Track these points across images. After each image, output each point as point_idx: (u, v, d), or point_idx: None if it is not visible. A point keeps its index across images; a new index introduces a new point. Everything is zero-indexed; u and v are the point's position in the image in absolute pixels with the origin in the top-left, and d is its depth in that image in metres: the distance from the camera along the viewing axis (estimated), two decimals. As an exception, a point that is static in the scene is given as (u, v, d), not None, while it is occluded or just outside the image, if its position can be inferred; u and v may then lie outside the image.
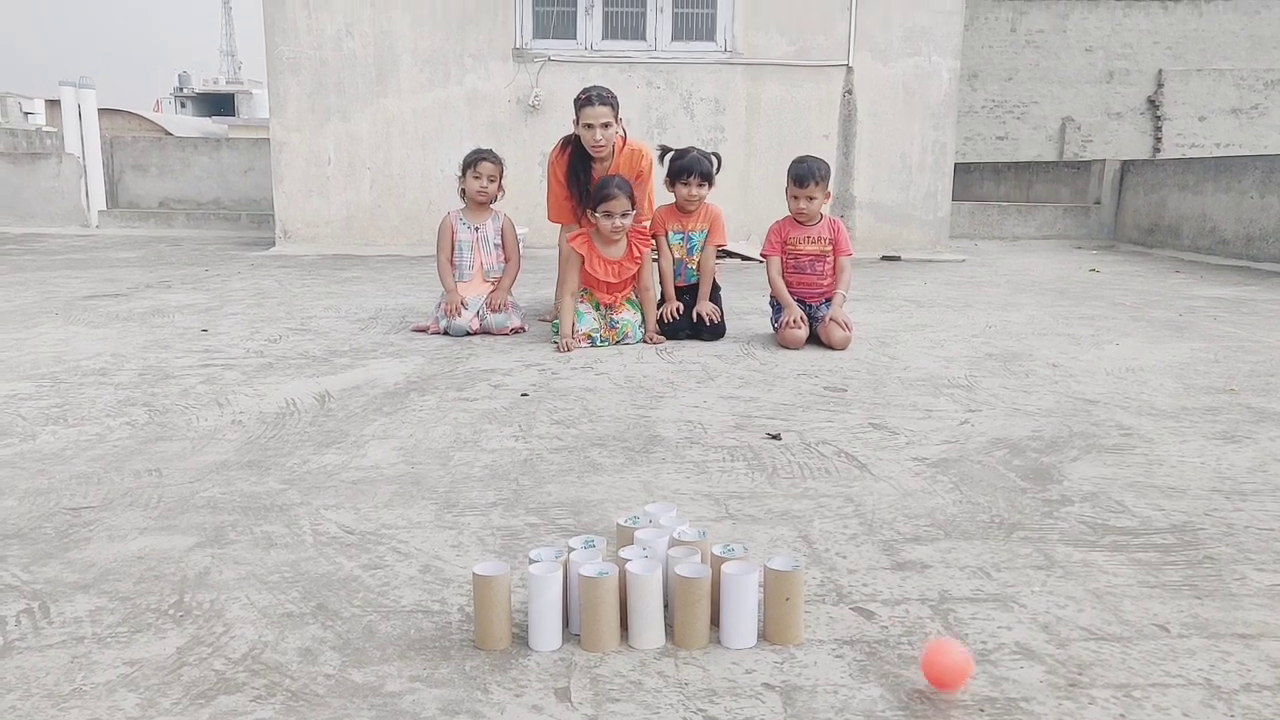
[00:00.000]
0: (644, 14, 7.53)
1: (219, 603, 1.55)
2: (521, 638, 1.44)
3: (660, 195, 4.18)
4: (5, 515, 1.93)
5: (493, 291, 4.08)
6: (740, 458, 2.36)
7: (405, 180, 7.66)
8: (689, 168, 3.94)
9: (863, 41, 7.53)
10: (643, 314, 3.93)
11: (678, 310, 3.96)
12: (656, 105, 7.57)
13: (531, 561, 1.49)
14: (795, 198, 3.89)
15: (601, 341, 3.81)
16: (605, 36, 7.55)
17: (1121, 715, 1.26)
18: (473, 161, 4.11)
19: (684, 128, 7.51)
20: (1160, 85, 16.95)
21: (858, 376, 3.30)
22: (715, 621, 1.46)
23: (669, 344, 3.87)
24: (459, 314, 3.96)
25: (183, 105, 47.79)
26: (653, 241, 4.02)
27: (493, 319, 4.00)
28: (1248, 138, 16.85)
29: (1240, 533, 1.90)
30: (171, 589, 1.60)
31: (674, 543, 1.58)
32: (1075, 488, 2.16)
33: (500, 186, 4.15)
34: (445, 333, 3.98)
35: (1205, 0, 16.90)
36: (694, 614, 1.43)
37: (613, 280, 3.87)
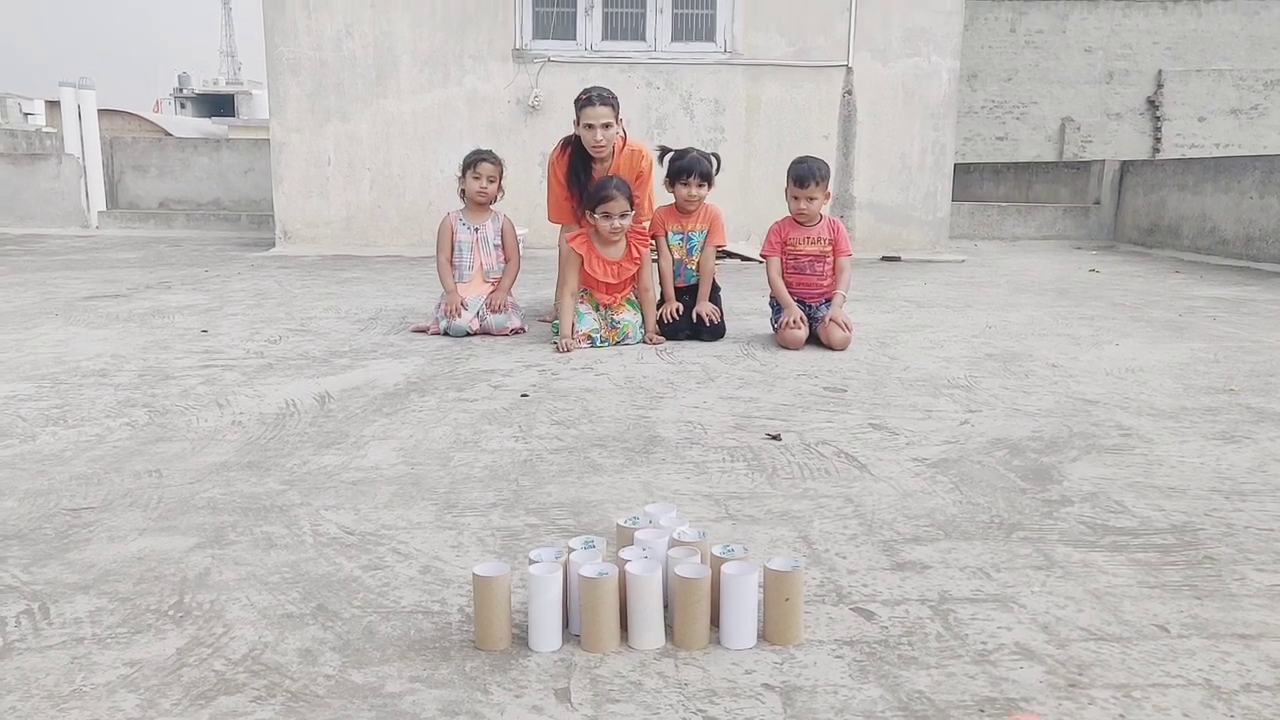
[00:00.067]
0: (644, 14, 7.53)
1: (219, 603, 1.56)
2: (521, 638, 1.44)
3: (660, 196, 4.18)
4: (5, 516, 1.93)
5: (493, 292, 4.08)
6: (740, 458, 2.36)
7: (405, 181, 7.67)
8: (688, 168, 3.94)
9: (862, 42, 7.53)
10: (642, 314, 3.93)
11: (677, 311, 3.96)
12: (656, 106, 7.57)
13: (531, 562, 1.49)
14: (795, 198, 3.89)
15: (601, 342, 3.81)
16: (605, 37, 7.55)
17: (1121, 715, 1.26)
18: (472, 162, 4.11)
19: (684, 128, 7.51)
20: (1160, 86, 16.96)
21: (857, 377, 3.30)
22: (715, 622, 1.46)
23: (669, 344, 3.87)
24: (459, 315, 3.96)
25: (182, 106, 47.78)
26: (652, 242, 4.02)
27: (493, 319, 4.00)
28: (1247, 138, 16.86)
29: (1240, 533, 1.90)
30: (171, 590, 1.60)
31: (674, 543, 1.58)
32: (1075, 488, 2.16)
33: (500, 187, 4.15)
34: (445, 333, 3.98)
35: (1205, 1, 16.91)
36: (694, 614, 1.43)
37: (612, 281, 3.87)
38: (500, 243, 4.16)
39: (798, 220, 3.97)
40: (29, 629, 1.47)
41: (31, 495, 2.05)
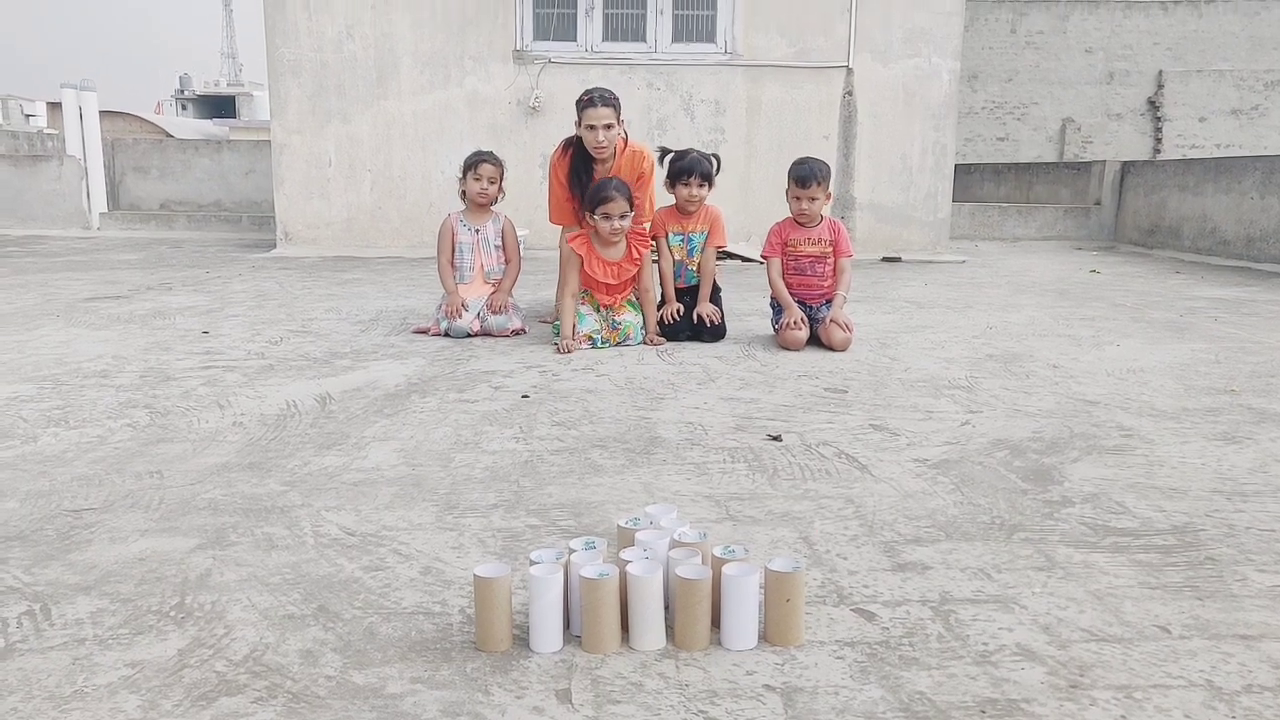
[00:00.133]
0: (644, 16, 7.53)
1: (220, 604, 1.56)
2: (522, 639, 1.44)
3: (660, 197, 4.19)
4: (7, 517, 1.93)
5: (493, 293, 4.08)
6: (741, 459, 2.36)
7: (406, 182, 7.67)
8: (689, 168, 3.94)
9: (863, 43, 7.54)
10: (643, 315, 3.93)
11: (678, 312, 3.96)
12: (657, 107, 7.58)
13: (532, 563, 1.49)
14: (797, 198, 3.89)
15: (602, 343, 3.81)
16: (605, 38, 7.56)
17: (1123, 716, 1.26)
18: (473, 163, 4.11)
19: (684, 129, 7.51)
20: (1160, 86, 16.95)
21: (858, 378, 3.30)
22: (716, 623, 1.46)
23: (669, 345, 3.87)
24: (460, 316, 3.96)
25: (184, 107, 47.81)
26: (652, 243, 4.02)
27: (493, 321, 4.00)
28: (1248, 138, 16.86)
29: (1241, 534, 1.90)
30: (173, 591, 1.61)
31: (675, 544, 1.58)
32: (1076, 489, 2.16)
33: (501, 188, 4.16)
34: (446, 334, 3.98)
35: (1205, 1, 16.90)
36: (695, 615, 1.43)
37: (612, 281, 3.87)
38: (501, 244, 4.16)
39: (798, 221, 3.97)
40: (30, 630, 1.47)
41: (33, 496, 2.05)
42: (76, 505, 2.00)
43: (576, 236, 3.87)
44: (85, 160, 9.79)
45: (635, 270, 3.89)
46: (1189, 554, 1.80)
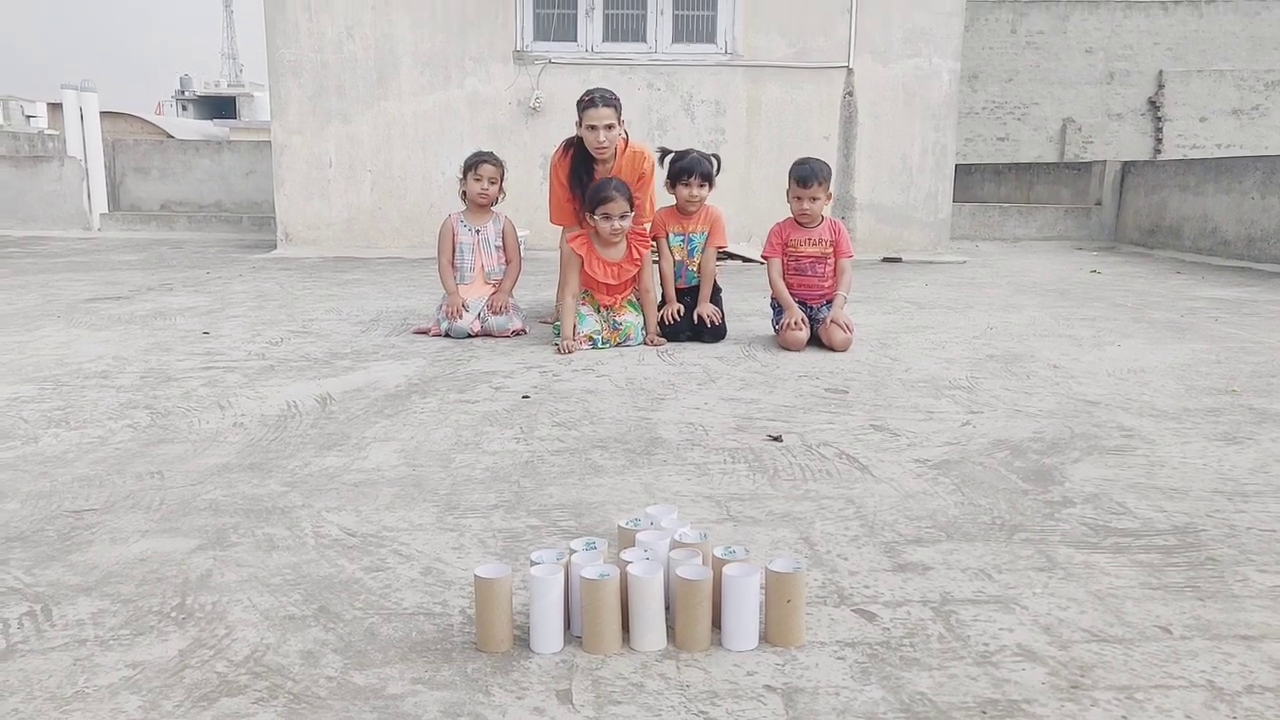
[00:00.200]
0: (644, 16, 7.53)
1: (221, 605, 1.56)
2: (523, 640, 1.44)
3: (661, 198, 4.19)
4: (8, 518, 1.93)
5: (494, 294, 4.08)
6: (741, 459, 2.36)
7: (406, 183, 7.67)
8: (689, 168, 3.94)
9: (863, 43, 7.54)
10: (644, 316, 3.93)
11: (679, 312, 3.96)
12: (657, 107, 7.58)
13: (533, 564, 1.49)
14: (799, 198, 3.89)
15: (603, 343, 3.81)
16: (606, 39, 7.56)
17: (1124, 717, 1.26)
18: (474, 164, 4.11)
19: (685, 130, 7.51)
20: (1161, 86, 16.95)
21: (859, 378, 3.30)
22: (717, 624, 1.46)
23: (670, 346, 3.87)
24: (460, 316, 3.96)
25: (184, 108, 47.85)
26: (653, 243, 4.02)
27: (494, 321, 4.00)
28: (1249, 139, 16.86)
29: (1242, 534, 1.90)
30: (174, 591, 1.61)
31: (675, 545, 1.58)
32: (1077, 489, 2.16)
33: (501, 189, 4.16)
34: (446, 335, 3.98)
35: (1205, 1, 16.90)
36: (695, 616, 1.43)
37: (612, 282, 3.87)
38: (501, 244, 4.16)
39: (799, 221, 3.97)
40: (32, 631, 1.47)
41: (34, 497, 2.05)
42: (77, 506, 2.00)
43: (577, 237, 3.87)
44: (86, 161, 9.80)
45: (636, 271, 3.89)
46: (1190, 554, 1.80)
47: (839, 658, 1.41)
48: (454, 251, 4.14)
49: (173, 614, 1.53)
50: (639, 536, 1.59)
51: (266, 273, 6.35)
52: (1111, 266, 7.46)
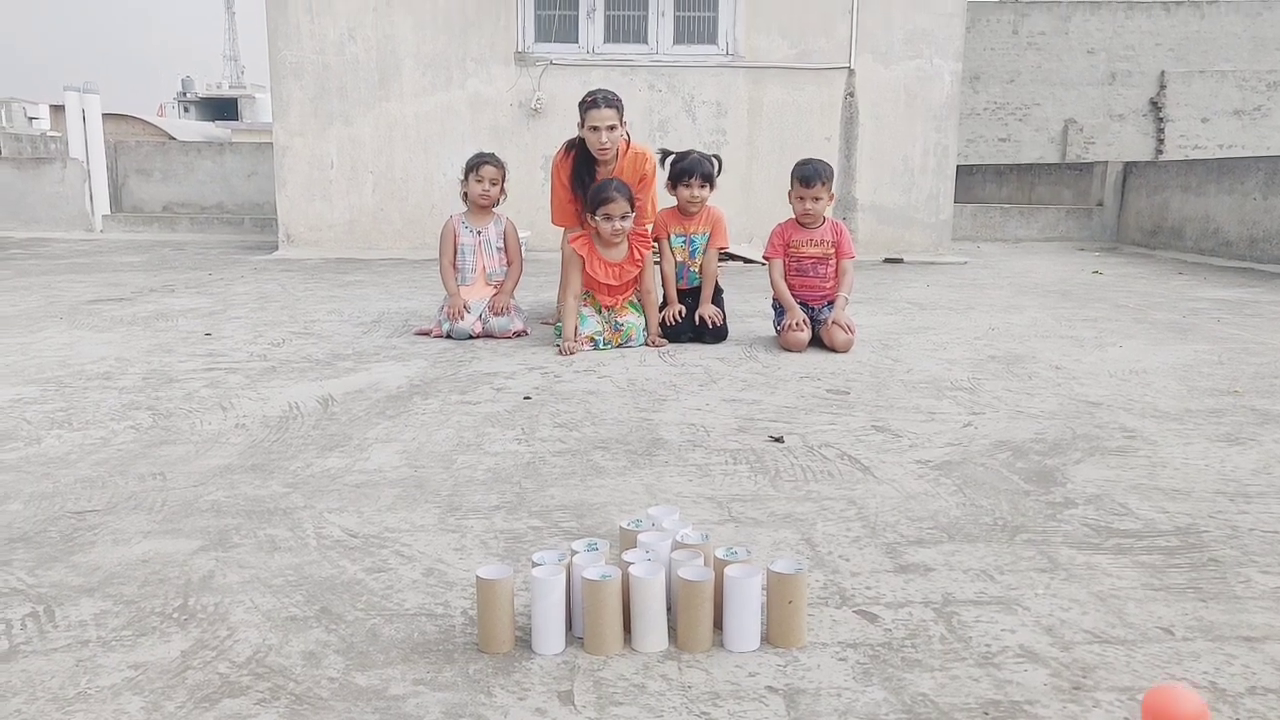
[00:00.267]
0: (645, 17, 7.54)
1: (223, 606, 1.56)
2: (525, 641, 1.45)
3: (662, 199, 4.19)
4: (10, 519, 1.93)
5: (495, 295, 4.08)
6: (743, 460, 2.36)
7: (408, 184, 7.68)
8: (690, 169, 3.95)
9: (864, 44, 7.54)
10: (645, 317, 3.93)
11: (680, 313, 3.96)
12: (658, 108, 7.58)
13: (535, 565, 1.49)
14: (801, 198, 3.89)
15: (604, 344, 3.81)
16: (607, 40, 7.56)
17: (1126, 718, 1.26)
18: (475, 165, 4.11)
19: (686, 131, 7.52)
20: (1162, 87, 16.94)
21: (860, 379, 3.30)
22: (718, 625, 1.46)
23: (671, 347, 3.88)
24: (462, 317, 3.97)
25: (186, 110, 47.93)
26: (654, 244, 4.02)
27: (495, 322, 4.00)
28: (1250, 139, 16.85)
29: (1245, 535, 1.90)
30: (176, 592, 1.61)
31: (677, 546, 1.58)
32: (1079, 490, 2.16)
33: (503, 190, 4.16)
34: (448, 336, 3.98)
35: (1207, 2, 16.89)
36: (697, 617, 1.43)
37: (614, 283, 3.87)
38: (503, 245, 4.16)
39: (801, 222, 3.97)
40: (34, 632, 1.47)
41: (36, 498, 2.05)
42: (80, 507, 2.00)
43: (578, 237, 3.87)
44: (88, 163, 9.81)
45: (637, 272, 3.89)
46: (1192, 555, 1.79)
47: (841, 659, 1.41)
48: (455, 253, 4.14)
49: (175, 615, 1.53)
50: (641, 537, 1.59)
51: (268, 274, 6.36)
52: (1113, 267, 7.46)
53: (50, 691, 1.31)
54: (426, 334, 4.06)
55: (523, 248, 4.31)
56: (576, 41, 7.55)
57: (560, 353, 3.69)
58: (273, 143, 7.74)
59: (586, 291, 3.89)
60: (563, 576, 1.44)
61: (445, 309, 4.03)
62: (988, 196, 12.55)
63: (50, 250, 8.05)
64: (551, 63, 7.50)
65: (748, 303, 4.98)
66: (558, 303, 4.09)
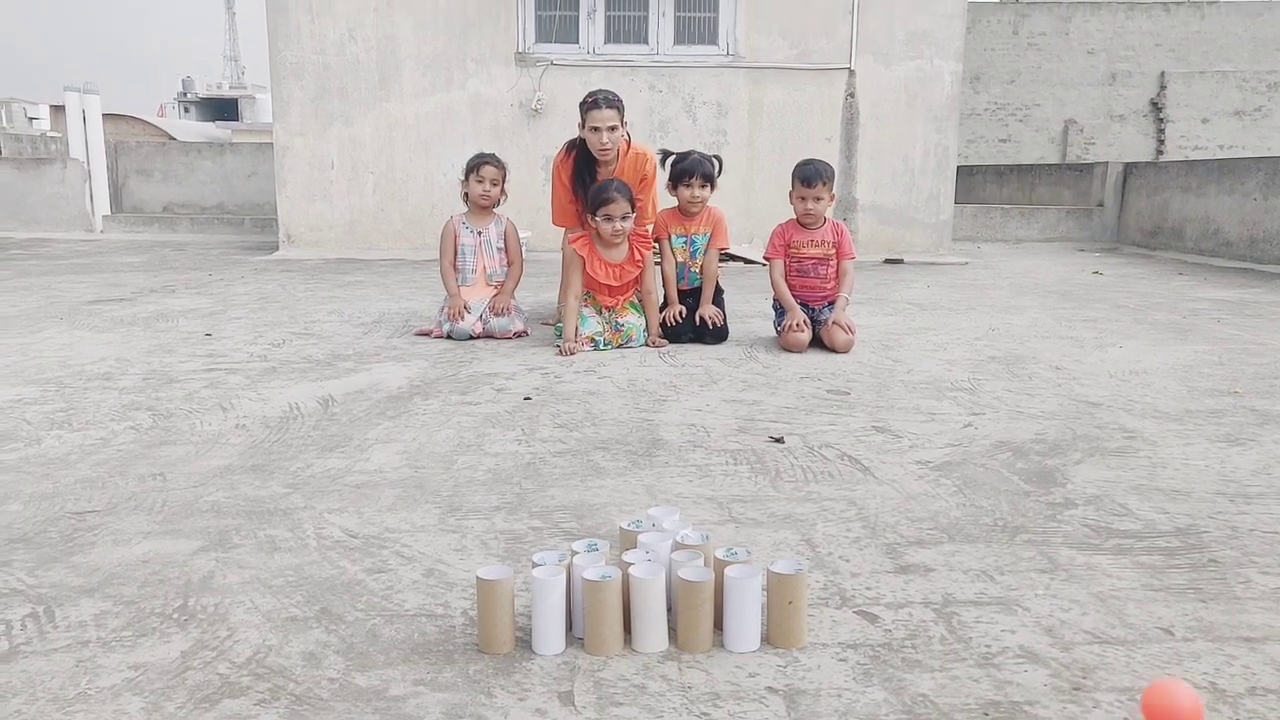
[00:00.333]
0: (646, 18, 7.54)
1: (223, 607, 1.56)
2: (525, 641, 1.45)
3: (663, 200, 4.19)
4: (10, 520, 1.93)
5: (496, 295, 4.08)
6: (743, 461, 2.36)
7: (408, 184, 7.68)
8: (690, 169, 3.95)
9: (865, 44, 7.54)
10: (645, 317, 3.93)
11: (680, 314, 3.96)
12: (659, 109, 7.58)
13: (535, 565, 1.49)
14: (802, 198, 3.89)
15: (605, 345, 3.81)
16: (607, 41, 7.57)
17: (1126, 719, 1.26)
18: (476, 166, 4.12)
19: (686, 131, 7.52)
20: (1163, 87, 16.94)
21: (861, 380, 3.30)
22: (718, 625, 1.46)
23: (672, 347, 3.88)
24: (462, 318, 3.97)
25: (186, 110, 47.96)
26: (655, 245, 4.02)
27: (496, 323, 4.00)
28: (1251, 139, 16.85)
29: (1245, 536, 1.90)
30: (176, 593, 1.61)
31: (677, 546, 1.58)
32: (1079, 491, 2.16)
33: (503, 190, 4.16)
34: (448, 337, 3.98)
35: (1208, 3, 16.89)
36: (697, 618, 1.43)
37: (614, 283, 3.87)
38: (503, 246, 4.17)
39: (802, 222, 3.97)
40: (34, 632, 1.47)
41: (37, 499, 2.06)
42: (80, 508, 2.00)
43: (578, 238, 3.87)
44: (88, 163, 9.82)
45: (637, 272, 3.90)
46: (1192, 556, 1.79)
47: (841, 659, 1.41)
48: (456, 253, 4.15)
49: (175, 615, 1.53)
50: (641, 538, 1.59)
51: (268, 274, 6.36)
52: (1113, 268, 7.46)
53: (50, 692, 1.31)
54: (427, 334, 4.06)
55: (523, 248, 4.32)
56: (577, 42, 7.55)
57: (561, 353, 3.69)
58: (273, 143, 7.75)
59: (587, 292, 3.89)
60: (563, 577, 1.45)
61: (446, 309, 4.03)
62: (988, 197, 12.55)
63: (50, 251, 8.05)
64: (552, 63, 7.51)
65: (748, 303, 4.98)
66: (558, 303, 4.09)
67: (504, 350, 3.79)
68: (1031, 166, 12.45)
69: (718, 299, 4.04)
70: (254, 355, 3.62)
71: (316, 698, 1.30)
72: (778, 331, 3.95)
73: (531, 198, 6.96)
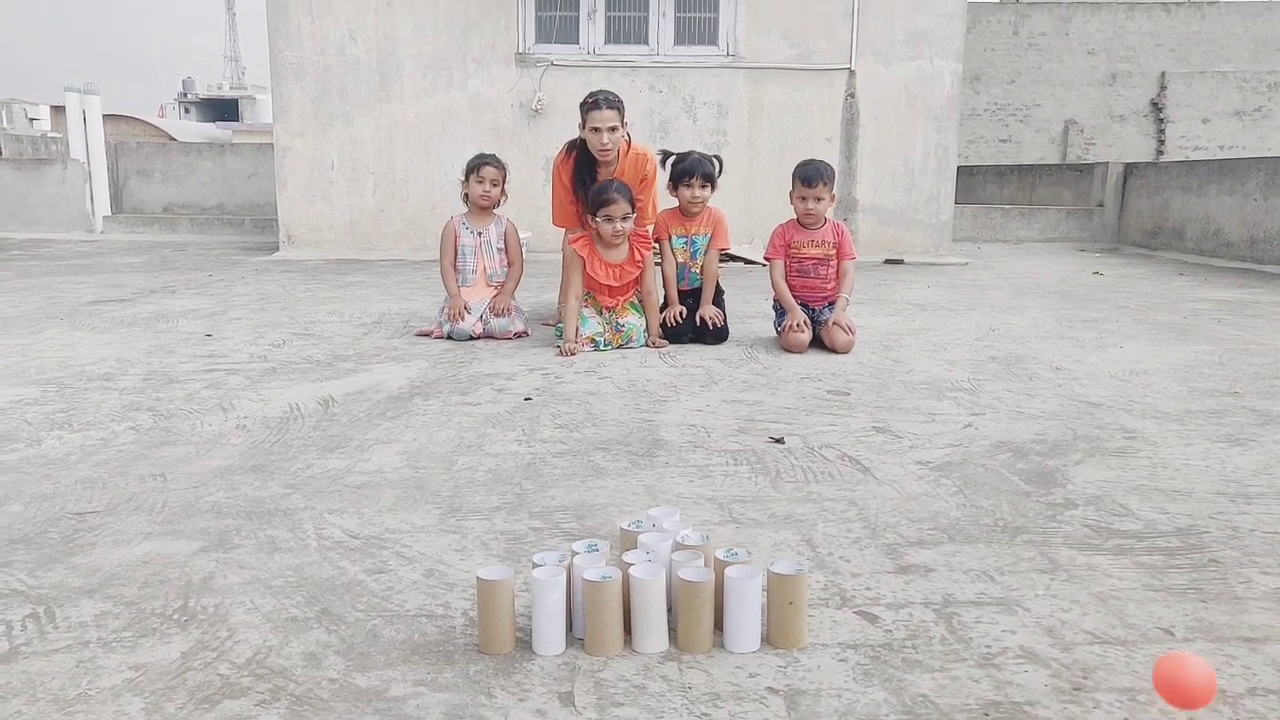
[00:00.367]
0: (646, 18, 7.54)
1: (223, 607, 1.56)
2: (525, 642, 1.45)
3: (663, 200, 4.19)
4: (11, 520, 1.93)
5: (496, 296, 4.08)
6: (744, 461, 2.36)
7: (408, 185, 7.68)
8: (691, 169, 3.95)
9: (865, 45, 7.54)
10: (646, 318, 3.93)
11: (681, 314, 3.96)
12: (659, 109, 7.58)
13: (535, 565, 1.49)
14: (803, 198, 3.89)
15: (605, 345, 3.81)
16: (608, 41, 7.57)
17: (1126, 719, 1.26)
18: (476, 166, 4.12)
19: (686, 131, 7.52)
20: (1163, 87, 16.94)
21: (861, 380, 3.30)
22: (719, 625, 1.46)
23: (672, 348, 3.88)
24: (462, 318, 3.97)
25: (187, 110, 47.98)
26: (655, 245, 4.03)
27: (496, 323, 4.00)
28: (1251, 140, 16.85)
29: (1245, 536, 1.90)
30: (176, 593, 1.61)
31: (677, 546, 1.58)
32: (1079, 491, 2.16)
33: (503, 191, 4.16)
34: (449, 337, 3.98)
35: (1208, 3, 16.89)
36: (697, 618, 1.43)
37: (614, 284, 3.87)
38: (504, 246, 4.17)
39: (802, 223, 3.97)
40: (35, 633, 1.47)
41: (37, 499, 2.06)
42: (80, 508, 2.00)
43: (579, 238, 3.87)
44: (89, 164, 9.82)
45: (638, 273, 3.90)
46: (1192, 556, 1.79)
47: (841, 660, 1.41)
48: (456, 254, 4.15)
49: (175, 616, 1.53)
50: (641, 538, 1.59)
51: (269, 275, 6.36)
52: (1114, 268, 7.46)
53: (51, 693, 1.31)
54: (427, 335, 4.06)
55: (523, 249, 4.32)
56: (577, 42, 7.55)
57: (561, 354, 3.69)
58: (273, 144, 7.75)
59: (587, 292, 3.89)
60: (563, 577, 1.45)
61: (446, 310, 4.03)
62: (988, 197, 12.55)
63: (51, 251, 8.05)
64: (552, 64, 7.51)
65: (748, 304, 4.99)
66: (558, 304, 4.09)
67: (504, 351, 3.79)
68: (1032, 167, 12.45)
69: (718, 299, 4.05)
70: (254, 356, 3.62)
71: (317, 698, 1.30)
72: (778, 332, 3.95)
73: (531, 198, 6.96)
